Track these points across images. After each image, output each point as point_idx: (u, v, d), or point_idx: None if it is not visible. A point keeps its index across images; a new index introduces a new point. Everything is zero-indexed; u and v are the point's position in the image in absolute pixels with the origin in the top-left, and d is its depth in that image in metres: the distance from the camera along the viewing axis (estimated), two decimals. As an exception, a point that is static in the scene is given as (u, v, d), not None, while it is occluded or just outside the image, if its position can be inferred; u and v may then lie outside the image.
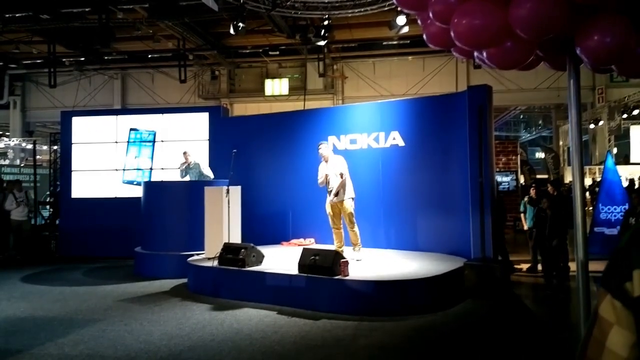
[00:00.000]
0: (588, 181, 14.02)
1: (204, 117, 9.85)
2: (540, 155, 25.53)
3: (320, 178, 6.53)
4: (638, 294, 0.71)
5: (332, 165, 6.50)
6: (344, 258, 5.65)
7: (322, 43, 12.79)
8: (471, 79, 16.48)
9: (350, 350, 4.23)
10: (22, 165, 16.96)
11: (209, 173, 8.39)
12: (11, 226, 9.97)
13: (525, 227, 7.83)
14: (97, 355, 4.13)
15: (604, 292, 0.76)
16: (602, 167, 12.21)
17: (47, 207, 12.09)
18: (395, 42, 15.81)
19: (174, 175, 8.65)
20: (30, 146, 17.80)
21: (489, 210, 6.36)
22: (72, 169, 10.24)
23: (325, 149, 6.66)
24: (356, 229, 6.52)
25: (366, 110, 8.11)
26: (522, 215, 7.99)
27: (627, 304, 0.72)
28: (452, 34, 2.90)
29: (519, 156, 13.01)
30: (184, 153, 8.37)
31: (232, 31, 11.25)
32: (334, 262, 5.47)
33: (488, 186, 6.41)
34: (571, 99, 2.97)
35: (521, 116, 29.39)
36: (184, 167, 8.28)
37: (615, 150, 18.36)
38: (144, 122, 10.15)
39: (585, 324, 2.61)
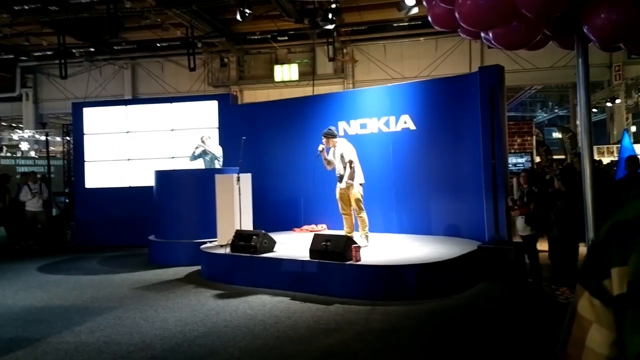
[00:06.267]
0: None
1: (214, 105, 9.84)
2: (557, 135, 25.03)
3: (326, 164, 6.55)
4: (617, 292, 0.66)
5: (337, 151, 6.43)
6: (356, 243, 5.63)
7: (331, 27, 12.58)
8: (485, 59, 16.12)
9: (364, 334, 4.22)
10: (36, 156, 17.20)
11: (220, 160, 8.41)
12: (26, 217, 10.15)
13: None
14: (113, 342, 4.19)
15: (582, 288, 0.72)
16: (619, 145, 11.92)
17: (64, 197, 12.24)
18: (406, 24, 15.49)
19: (186, 164, 8.67)
20: (43, 138, 18.02)
21: (502, 193, 6.26)
22: (85, 159, 10.35)
23: (324, 139, 6.47)
24: (364, 215, 6.40)
25: (376, 94, 8.00)
26: None
27: (606, 302, 0.68)
28: (456, 15, 2.80)
29: (534, 137, 12.73)
30: (202, 137, 8.35)
31: (239, 17, 11.13)
32: (346, 247, 5.45)
33: (501, 168, 6.31)
34: (580, 78, 2.87)
35: (537, 96, 28.77)
36: (199, 151, 8.20)
37: (633, 129, 17.88)
38: (154, 111, 10.16)
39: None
